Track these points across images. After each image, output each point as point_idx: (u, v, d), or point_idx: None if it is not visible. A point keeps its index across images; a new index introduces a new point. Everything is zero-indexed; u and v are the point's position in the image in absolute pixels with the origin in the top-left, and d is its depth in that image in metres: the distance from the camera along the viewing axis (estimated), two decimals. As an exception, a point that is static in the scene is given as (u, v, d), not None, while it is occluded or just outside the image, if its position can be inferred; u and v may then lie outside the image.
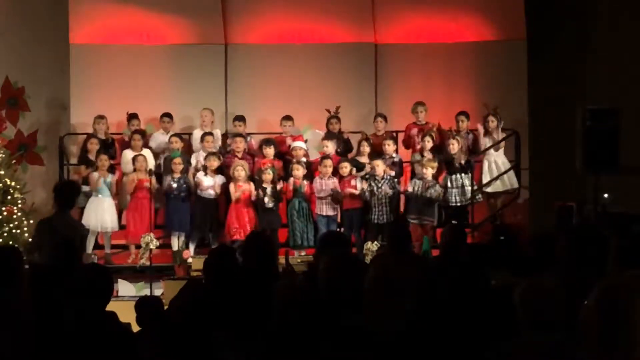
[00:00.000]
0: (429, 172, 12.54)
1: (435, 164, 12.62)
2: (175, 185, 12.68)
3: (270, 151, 12.97)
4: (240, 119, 13.47)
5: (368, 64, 14.19)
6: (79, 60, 13.95)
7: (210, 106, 13.69)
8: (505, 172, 13.09)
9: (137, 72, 14.02)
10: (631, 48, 14.03)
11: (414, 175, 13.02)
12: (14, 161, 13.82)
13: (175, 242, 12.77)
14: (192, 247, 12.76)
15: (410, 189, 12.59)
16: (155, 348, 5.38)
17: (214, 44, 14.14)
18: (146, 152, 13.10)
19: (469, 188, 12.69)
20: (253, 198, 12.59)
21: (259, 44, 14.19)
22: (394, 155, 13.08)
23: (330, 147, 13.04)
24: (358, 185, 12.63)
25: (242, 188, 12.56)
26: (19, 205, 12.98)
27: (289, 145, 13.15)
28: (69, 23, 13.98)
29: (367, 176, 12.63)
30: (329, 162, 12.69)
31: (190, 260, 12.40)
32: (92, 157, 13.03)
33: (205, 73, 14.10)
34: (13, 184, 13.06)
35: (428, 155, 12.81)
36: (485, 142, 13.13)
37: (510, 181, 13.16)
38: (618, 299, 3.61)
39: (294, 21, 14.23)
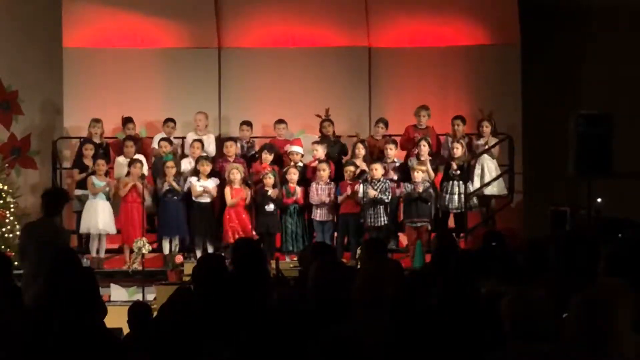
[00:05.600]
0: (418, 176, 12.50)
1: (424, 167, 12.58)
2: (169, 188, 12.64)
3: (269, 157, 12.92)
4: (247, 123, 13.43)
5: (362, 68, 14.16)
6: (72, 64, 13.91)
7: (203, 110, 13.66)
8: (499, 177, 13.08)
9: (130, 75, 13.99)
10: (625, 53, 14.05)
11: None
12: (7, 165, 13.80)
13: (167, 246, 12.75)
14: (198, 252, 12.60)
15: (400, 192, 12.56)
16: (144, 356, 5.37)
17: (207, 47, 14.11)
18: (140, 158, 13.05)
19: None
20: (247, 201, 12.56)
21: (252, 47, 14.16)
22: (395, 159, 13.03)
23: (320, 151, 12.99)
24: (360, 190, 12.49)
25: (237, 197, 12.51)
26: (12, 209, 12.98)
27: (286, 150, 13.12)
28: (62, 27, 13.95)
29: (366, 178, 12.49)
30: (324, 166, 12.64)
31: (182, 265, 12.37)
32: (87, 161, 12.98)
33: (198, 77, 14.07)
34: (6, 187, 13.08)
35: (425, 158, 12.75)
36: (479, 146, 13.13)
37: (499, 187, 13.12)
38: (599, 309, 3.61)
39: (287, 25, 14.20)
